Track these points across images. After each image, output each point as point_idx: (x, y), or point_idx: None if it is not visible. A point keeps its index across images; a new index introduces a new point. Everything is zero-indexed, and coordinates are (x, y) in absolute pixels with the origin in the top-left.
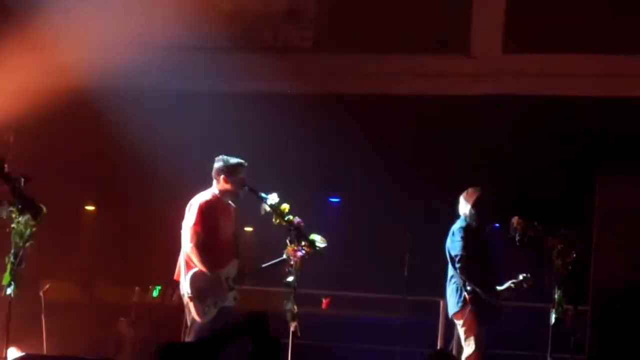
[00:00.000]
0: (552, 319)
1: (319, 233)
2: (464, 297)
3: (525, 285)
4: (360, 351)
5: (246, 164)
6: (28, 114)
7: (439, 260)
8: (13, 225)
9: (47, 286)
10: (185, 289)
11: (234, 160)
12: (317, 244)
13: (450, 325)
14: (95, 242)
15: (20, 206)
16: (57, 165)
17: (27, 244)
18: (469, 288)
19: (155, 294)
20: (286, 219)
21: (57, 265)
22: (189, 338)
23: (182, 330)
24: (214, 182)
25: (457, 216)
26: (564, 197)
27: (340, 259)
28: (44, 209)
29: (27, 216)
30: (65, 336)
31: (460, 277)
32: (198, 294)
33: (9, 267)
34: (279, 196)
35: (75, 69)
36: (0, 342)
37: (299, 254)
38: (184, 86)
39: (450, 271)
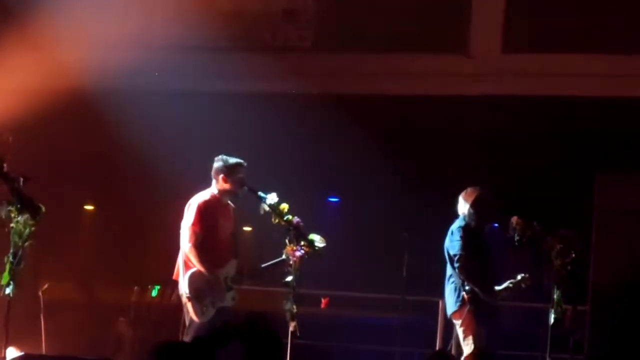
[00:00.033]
0: (551, 319)
1: (318, 233)
2: (462, 297)
3: (523, 285)
4: (359, 351)
5: (245, 164)
6: (27, 114)
7: (438, 260)
8: (12, 225)
9: (46, 286)
10: (183, 288)
11: (233, 160)
12: (316, 244)
13: (449, 326)
14: (94, 242)
15: (19, 206)
16: (57, 165)
17: (26, 244)
18: (467, 288)
19: (154, 293)
20: (285, 218)
21: (56, 265)
22: (187, 338)
23: (180, 329)
24: (213, 182)
25: (456, 216)
26: (563, 197)
27: (339, 258)
28: (43, 209)
29: (26, 216)
30: (64, 336)
31: (459, 277)
32: (196, 294)
33: (8, 266)
34: (278, 196)
35: (74, 69)
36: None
37: (298, 253)
38: (183, 86)
39: (449, 271)
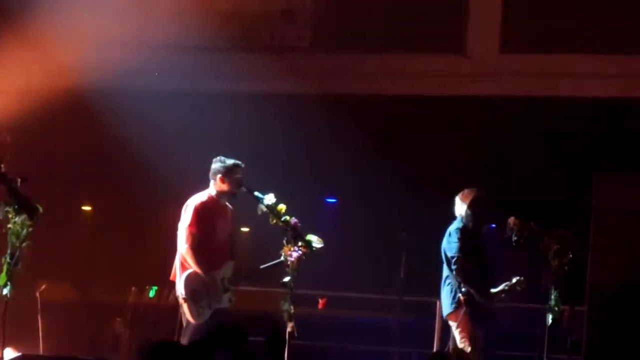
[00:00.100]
0: (549, 320)
1: (315, 233)
2: (458, 299)
3: (518, 288)
4: (357, 352)
5: (243, 165)
6: (25, 114)
7: (436, 260)
8: (9, 226)
9: (43, 286)
10: (179, 290)
11: (231, 161)
12: (314, 245)
13: (446, 326)
14: (92, 243)
15: (16, 206)
16: (54, 166)
17: (24, 244)
18: (463, 289)
19: (151, 294)
20: (283, 219)
21: (53, 265)
22: (183, 339)
23: (177, 330)
24: (211, 182)
25: (454, 216)
26: (561, 197)
27: (336, 259)
28: (41, 209)
29: (24, 216)
30: (61, 336)
31: (456, 279)
32: (192, 295)
33: (5, 267)
34: (276, 196)
35: (72, 69)
36: None
37: (296, 254)
38: (181, 86)
39: (445, 272)
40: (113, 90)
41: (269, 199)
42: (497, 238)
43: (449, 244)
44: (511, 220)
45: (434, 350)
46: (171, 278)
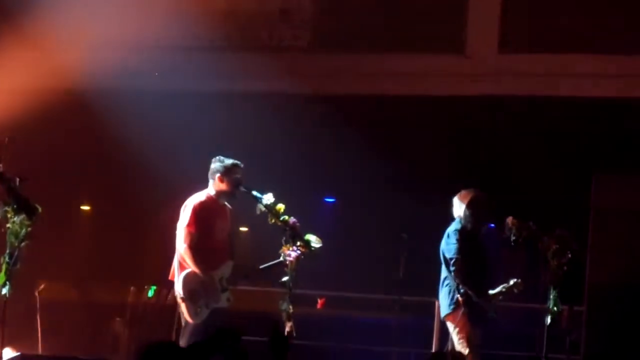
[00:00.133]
0: (548, 320)
1: (314, 233)
2: (456, 300)
3: (515, 291)
4: (355, 351)
5: (242, 165)
6: (24, 114)
7: (435, 260)
8: (8, 225)
9: (42, 286)
10: (177, 289)
11: (230, 160)
12: (313, 244)
13: (445, 326)
14: (91, 242)
15: (15, 206)
16: (53, 165)
17: (23, 244)
18: (462, 290)
19: (150, 294)
20: (281, 219)
21: (52, 265)
22: (182, 339)
23: (174, 330)
24: (210, 182)
25: (453, 217)
26: (560, 197)
27: (335, 259)
28: (39, 209)
29: (23, 216)
30: (60, 336)
31: (454, 280)
32: (190, 295)
33: (4, 267)
34: (275, 196)
35: (70, 69)
36: None
37: (294, 254)
38: (179, 86)
39: (444, 273)
40: (112, 90)
41: (268, 198)
42: (496, 238)
43: (448, 245)
44: (509, 220)
45: (433, 350)
46: (170, 278)
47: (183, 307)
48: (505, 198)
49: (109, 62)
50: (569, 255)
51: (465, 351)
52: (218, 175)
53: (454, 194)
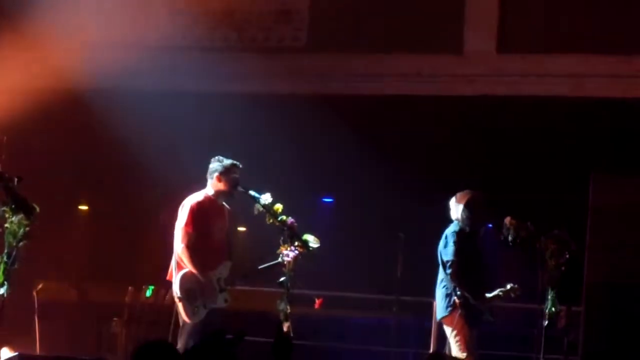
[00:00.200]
0: (546, 320)
1: (312, 233)
2: (453, 302)
3: (512, 295)
4: (352, 351)
5: (240, 165)
6: (22, 114)
7: (433, 261)
8: (6, 225)
9: (40, 286)
10: (175, 289)
11: (228, 160)
12: (310, 244)
13: (443, 326)
14: (89, 242)
15: (13, 206)
16: (52, 165)
17: (21, 244)
18: (459, 293)
19: (148, 294)
20: (279, 219)
21: (50, 265)
22: (180, 339)
23: (171, 329)
24: (208, 182)
25: (451, 217)
26: (558, 197)
27: (333, 259)
28: (37, 209)
29: (21, 216)
30: (58, 336)
31: (451, 282)
32: (187, 295)
33: (2, 267)
34: (272, 196)
35: (70, 69)
36: None
37: (292, 254)
38: (177, 86)
39: (441, 275)
40: (111, 90)
41: (266, 198)
42: (494, 238)
43: (445, 248)
44: (507, 220)
45: (431, 350)
46: (168, 278)
47: (180, 307)
48: (504, 198)
49: (108, 62)
50: (567, 256)
51: (463, 355)
52: (216, 175)
53: (452, 194)
